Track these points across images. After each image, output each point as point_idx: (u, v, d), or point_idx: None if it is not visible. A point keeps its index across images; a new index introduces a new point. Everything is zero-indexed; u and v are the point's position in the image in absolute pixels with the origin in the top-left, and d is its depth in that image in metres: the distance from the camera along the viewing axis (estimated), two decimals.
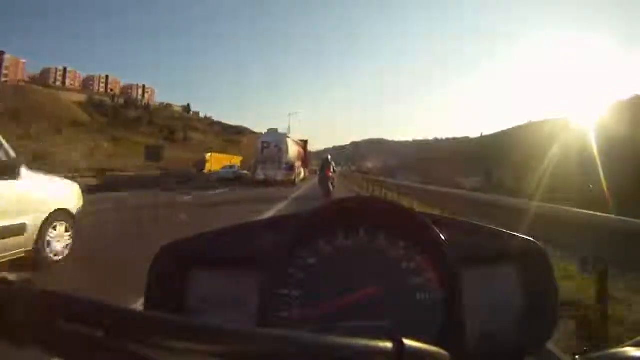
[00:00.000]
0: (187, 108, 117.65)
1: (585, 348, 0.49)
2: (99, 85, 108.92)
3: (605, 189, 3.69)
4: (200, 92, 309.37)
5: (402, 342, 0.25)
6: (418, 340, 0.26)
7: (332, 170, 12.15)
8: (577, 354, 0.39)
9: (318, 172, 13.81)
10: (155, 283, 0.53)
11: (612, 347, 0.36)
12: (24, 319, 0.25)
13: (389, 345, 0.24)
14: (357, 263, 0.53)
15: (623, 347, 0.35)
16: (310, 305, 0.50)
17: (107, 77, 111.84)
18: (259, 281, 0.51)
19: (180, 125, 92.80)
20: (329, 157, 12.85)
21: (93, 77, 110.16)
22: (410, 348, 0.25)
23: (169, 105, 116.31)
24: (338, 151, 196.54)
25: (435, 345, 0.27)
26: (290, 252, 0.52)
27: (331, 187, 11.89)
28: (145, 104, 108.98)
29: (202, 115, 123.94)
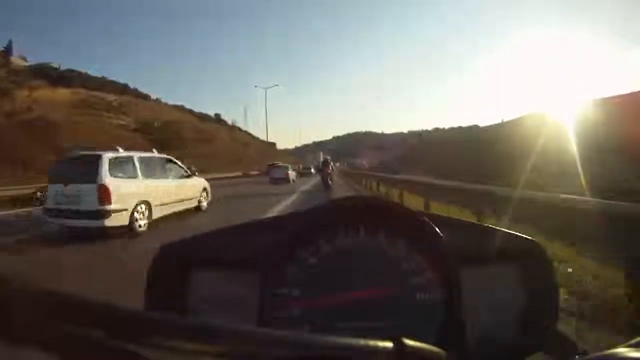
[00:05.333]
0: (6, 49, 55.82)
1: (585, 349, 0.49)
2: None
3: None
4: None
5: (402, 342, 0.25)
6: (418, 340, 0.26)
7: (330, 168, 15.70)
8: (577, 354, 0.40)
9: (320, 170, 17.73)
10: (155, 283, 0.53)
11: (613, 348, 0.36)
12: (23, 319, 0.25)
13: (389, 345, 0.24)
14: (357, 262, 0.53)
15: (623, 347, 0.35)
16: (311, 304, 0.50)
17: None
18: (259, 281, 0.51)
19: None
20: (328, 157, 16.94)
21: None
22: (410, 348, 0.25)
23: None
24: (320, 147, 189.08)
25: (435, 345, 0.27)
26: (290, 251, 0.52)
27: (330, 182, 15.09)
28: None
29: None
